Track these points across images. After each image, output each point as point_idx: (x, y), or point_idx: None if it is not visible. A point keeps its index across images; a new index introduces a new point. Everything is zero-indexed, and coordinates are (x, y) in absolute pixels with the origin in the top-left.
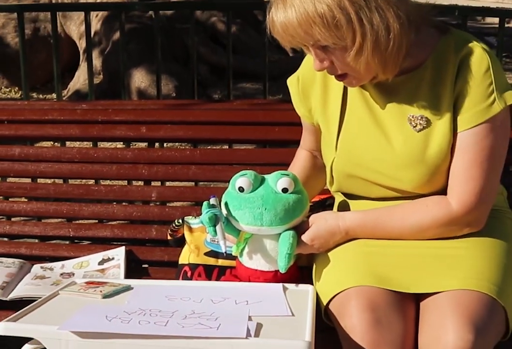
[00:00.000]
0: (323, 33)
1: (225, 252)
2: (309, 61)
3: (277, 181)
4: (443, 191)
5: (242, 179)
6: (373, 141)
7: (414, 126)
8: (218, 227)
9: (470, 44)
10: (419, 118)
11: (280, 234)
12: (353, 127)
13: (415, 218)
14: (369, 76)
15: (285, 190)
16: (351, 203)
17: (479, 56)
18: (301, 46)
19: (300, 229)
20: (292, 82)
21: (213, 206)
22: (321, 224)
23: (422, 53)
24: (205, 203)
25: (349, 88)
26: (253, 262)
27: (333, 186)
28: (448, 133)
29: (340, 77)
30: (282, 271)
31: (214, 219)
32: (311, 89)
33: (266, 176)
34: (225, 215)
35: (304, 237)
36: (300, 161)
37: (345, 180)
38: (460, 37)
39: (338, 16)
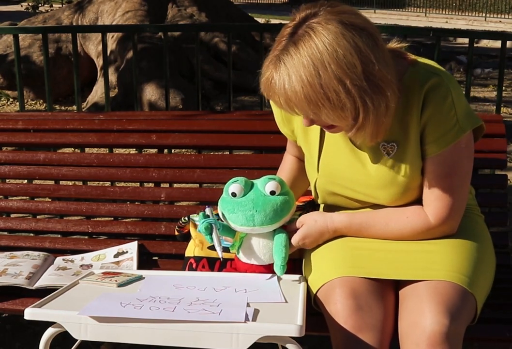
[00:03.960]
0: (330, 115)
1: (221, 258)
2: None
3: (265, 184)
4: (416, 202)
5: (234, 185)
6: (349, 165)
7: (387, 153)
8: (214, 235)
9: (433, 77)
10: (391, 146)
11: (272, 232)
12: (331, 152)
13: (396, 226)
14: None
15: (272, 192)
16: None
17: (442, 89)
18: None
19: (290, 228)
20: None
21: (207, 216)
22: (311, 224)
23: None
24: (200, 214)
25: None
26: (249, 257)
27: (318, 200)
28: (417, 158)
29: (328, 127)
30: (280, 275)
31: (209, 227)
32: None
33: (255, 181)
34: (220, 222)
35: (296, 236)
36: (287, 164)
37: (328, 196)
38: (424, 70)
39: (344, 100)
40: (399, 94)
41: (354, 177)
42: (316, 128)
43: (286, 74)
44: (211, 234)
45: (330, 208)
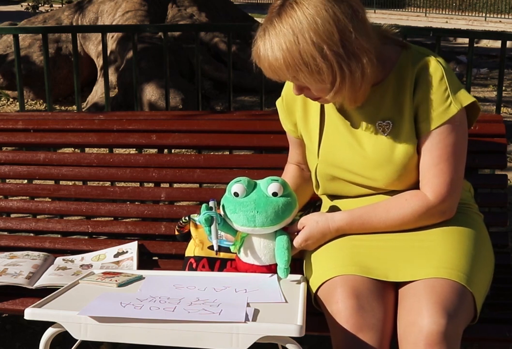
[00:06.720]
0: (307, 78)
1: (217, 251)
2: (290, 82)
3: (267, 186)
4: (414, 187)
5: (236, 185)
6: (348, 147)
7: (382, 131)
8: (212, 227)
9: (425, 57)
10: (386, 124)
11: (273, 232)
12: (331, 136)
13: (397, 211)
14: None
15: (275, 194)
16: (336, 202)
17: (433, 67)
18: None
19: (292, 229)
20: (278, 102)
21: (210, 208)
22: (313, 226)
23: (386, 67)
24: (203, 205)
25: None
26: (250, 258)
27: (319, 190)
28: (412, 136)
29: (316, 99)
30: (284, 278)
31: (210, 220)
32: (294, 105)
33: (258, 181)
34: (221, 216)
35: (298, 238)
36: (289, 173)
37: (328, 182)
38: (417, 52)
39: (320, 64)
40: (378, 63)
41: (353, 158)
42: (315, 115)
43: (269, 42)
44: (210, 226)
45: (331, 198)
